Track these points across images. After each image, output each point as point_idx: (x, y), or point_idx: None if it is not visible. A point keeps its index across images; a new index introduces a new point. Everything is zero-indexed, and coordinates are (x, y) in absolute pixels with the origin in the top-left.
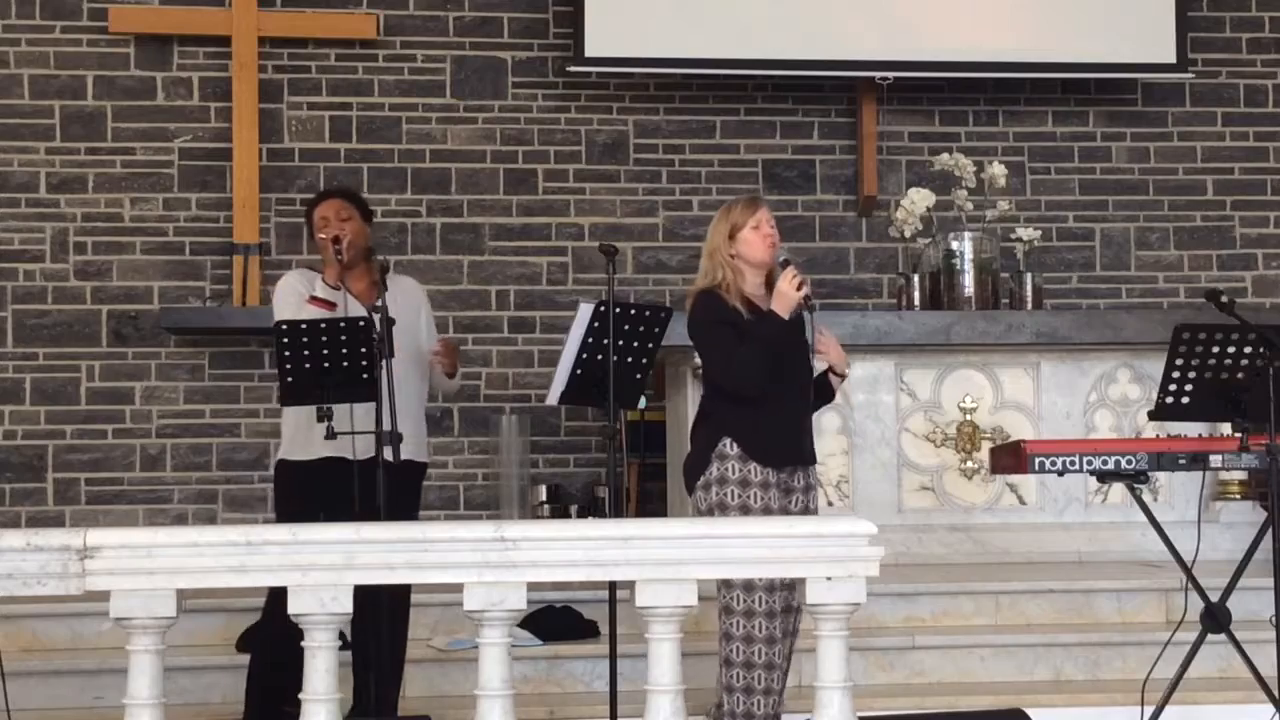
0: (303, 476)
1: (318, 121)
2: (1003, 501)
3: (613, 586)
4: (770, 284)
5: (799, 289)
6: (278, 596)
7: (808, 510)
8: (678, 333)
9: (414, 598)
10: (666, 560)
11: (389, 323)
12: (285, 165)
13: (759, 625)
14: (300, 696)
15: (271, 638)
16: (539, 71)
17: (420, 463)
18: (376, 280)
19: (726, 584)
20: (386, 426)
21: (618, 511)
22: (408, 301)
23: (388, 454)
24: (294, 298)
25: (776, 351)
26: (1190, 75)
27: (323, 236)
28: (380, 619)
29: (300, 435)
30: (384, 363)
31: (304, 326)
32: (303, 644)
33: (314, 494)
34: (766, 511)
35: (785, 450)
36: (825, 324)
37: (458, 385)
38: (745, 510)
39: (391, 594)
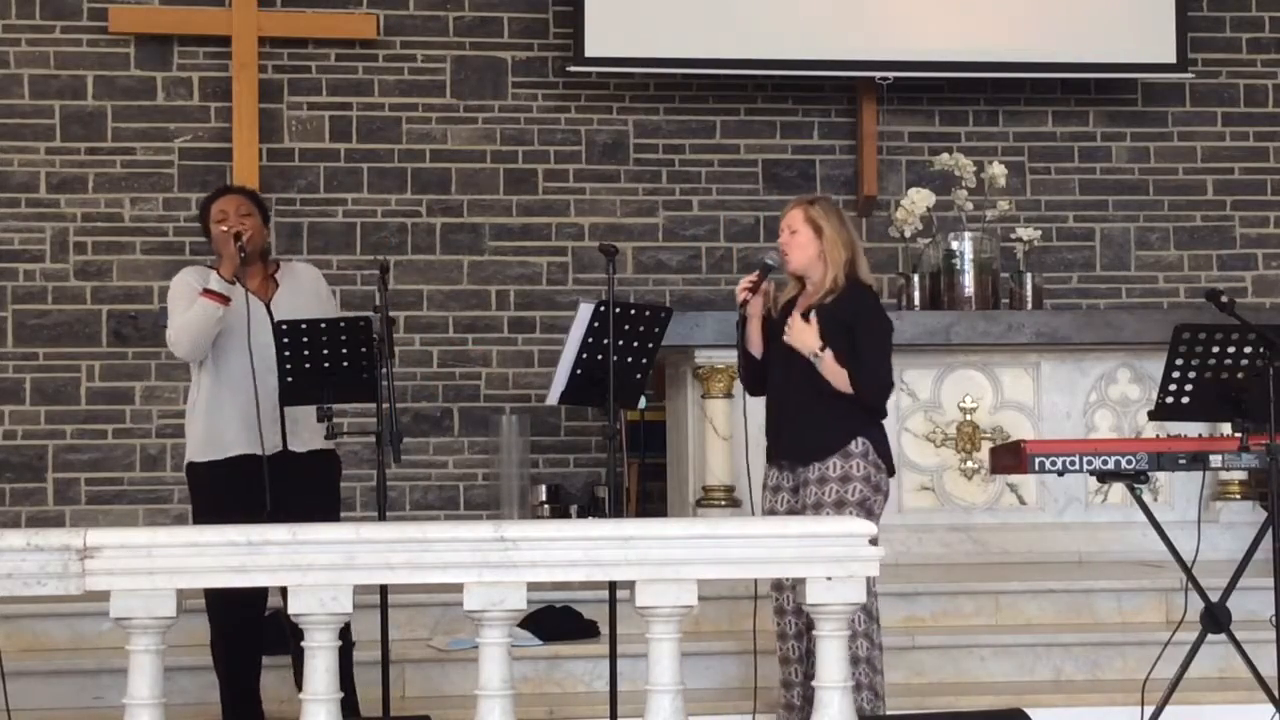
0: (214, 477)
1: (318, 121)
2: (1003, 501)
3: (613, 586)
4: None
5: (740, 295)
6: (211, 603)
7: (803, 508)
8: (677, 333)
9: (414, 597)
10: (666, 560)
11: (389, 322)
12: (285, 165)
13: (773, 622)
14: (300, 696)
15: (222, 635)
16: (539, 71)
17: (330, 452)
18: (271, 276)
19: None
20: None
21: (618, 511)
22: (304, 289)
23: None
24: (188, 293)
25: (757, 355)
26: (1190, 75)
27: (224, 229)
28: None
29: (212, 436)
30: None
31: (304, 326)
32: (302, 644)
33: (228, 492)
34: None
35: (773, 445)
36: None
37: None
38: (765, 500)
39: None
